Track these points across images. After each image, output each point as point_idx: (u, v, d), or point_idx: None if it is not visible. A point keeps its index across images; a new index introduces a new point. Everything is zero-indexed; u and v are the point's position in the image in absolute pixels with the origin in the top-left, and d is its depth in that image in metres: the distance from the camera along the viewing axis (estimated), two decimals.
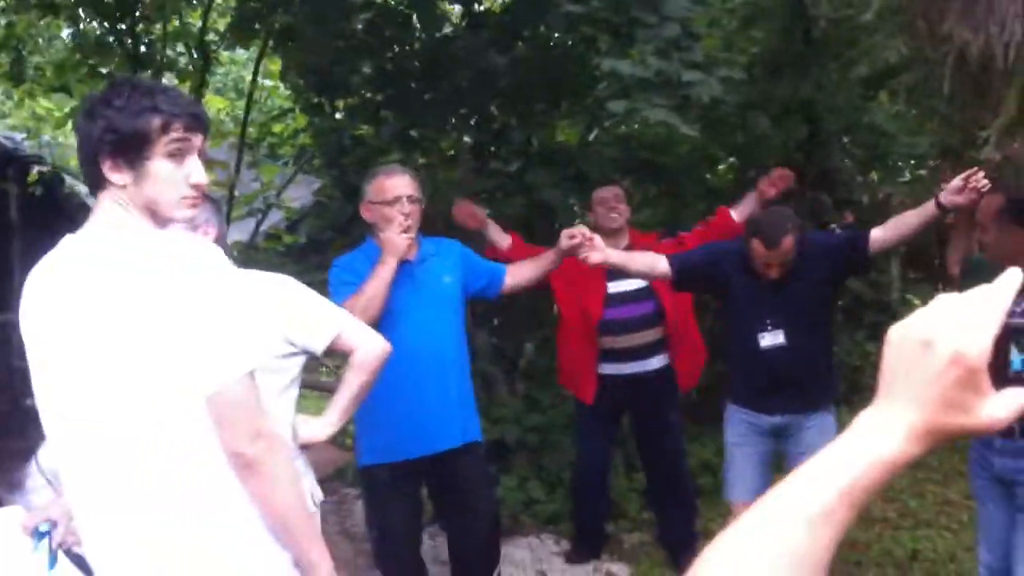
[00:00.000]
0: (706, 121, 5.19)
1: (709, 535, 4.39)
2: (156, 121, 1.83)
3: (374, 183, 3.56)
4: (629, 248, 4.35)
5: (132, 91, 1.85)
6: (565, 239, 3.60)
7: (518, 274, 3.82)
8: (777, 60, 5.48)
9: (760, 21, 5.57)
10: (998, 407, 0.80)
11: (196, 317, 1.77)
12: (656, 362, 4.57)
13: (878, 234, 3.56)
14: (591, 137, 6.25)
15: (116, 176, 1.83)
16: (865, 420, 0.85)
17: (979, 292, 0.82)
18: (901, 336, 0.84)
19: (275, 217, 8.01)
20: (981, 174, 3.19)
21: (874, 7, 2.43)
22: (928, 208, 3.40)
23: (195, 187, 1.89)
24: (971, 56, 2.43)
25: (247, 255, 7.31)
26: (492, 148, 6.05)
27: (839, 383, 4.32)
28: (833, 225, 6.46)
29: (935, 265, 6.59)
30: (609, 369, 4.58)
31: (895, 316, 6.66)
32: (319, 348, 2.49)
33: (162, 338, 1.75)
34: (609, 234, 4.40)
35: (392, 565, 3.74)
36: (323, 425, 2.63)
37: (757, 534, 0.81)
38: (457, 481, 3.73)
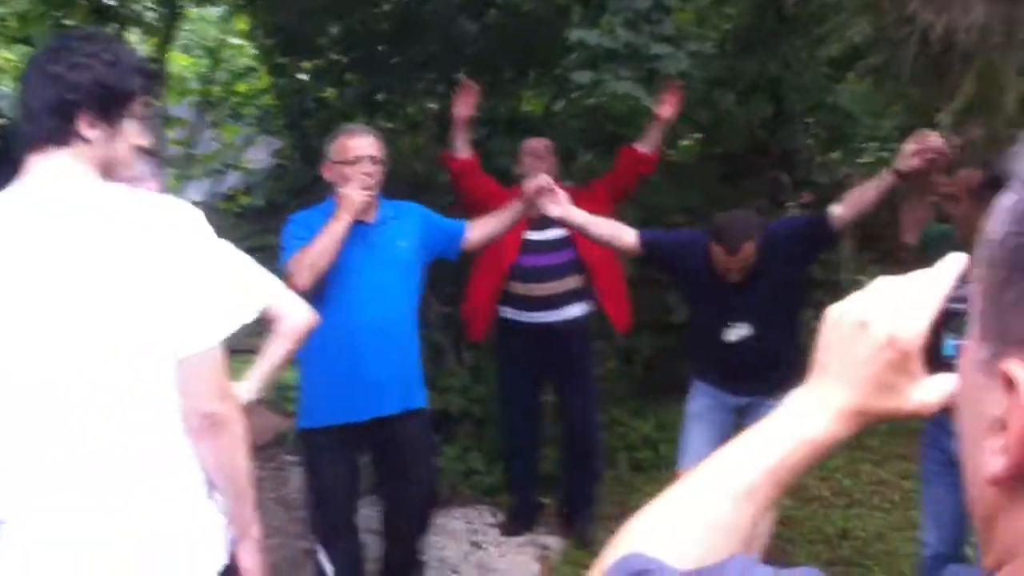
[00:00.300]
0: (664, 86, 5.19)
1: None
2: (139, 81, 1.86)
3: (336, 143, 3.56)
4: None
5: (113, 46, 1.86)
6: (529, 186, 3.62)
7: (480, 229, 3.79)
8: (749, 37, 5.49)
9: None
10: (928, 391, 0.81)
11: (181, 278, 1.77)
12: (572, 311, 4.56)
13: (840, 211, 3.52)
14: (557, 108, 6.23)
15: (90, 132, 1.81)
16: (796, 400, 0.86)
17: (920, 276, 0.82)
18: (838, 316, 0.85)
19: (234, 178, 7.93)
20: (934, 134, 3.17)
21: None
22: (885, 177, 3.36)
23: (138, 147, 1.98)
24: (933, 37, 2.46)
25: (205, 216, 7.19)
26: None
27: (803, 364, 4.34)
28: (790, 203, 6.52)
29: (889, 245, 6.67)
30: (522, 316, 4.57)
31: (845, 296, 6.75)
32: (249, 316, 2.49)
33: (145, 298, 1.74)
34: None
35: (326, 530, 3.71)
36: (242, 391, 2.63)
37: (683, 505, 0.83)
38: (398, 447, 3.71)
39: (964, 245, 2.87)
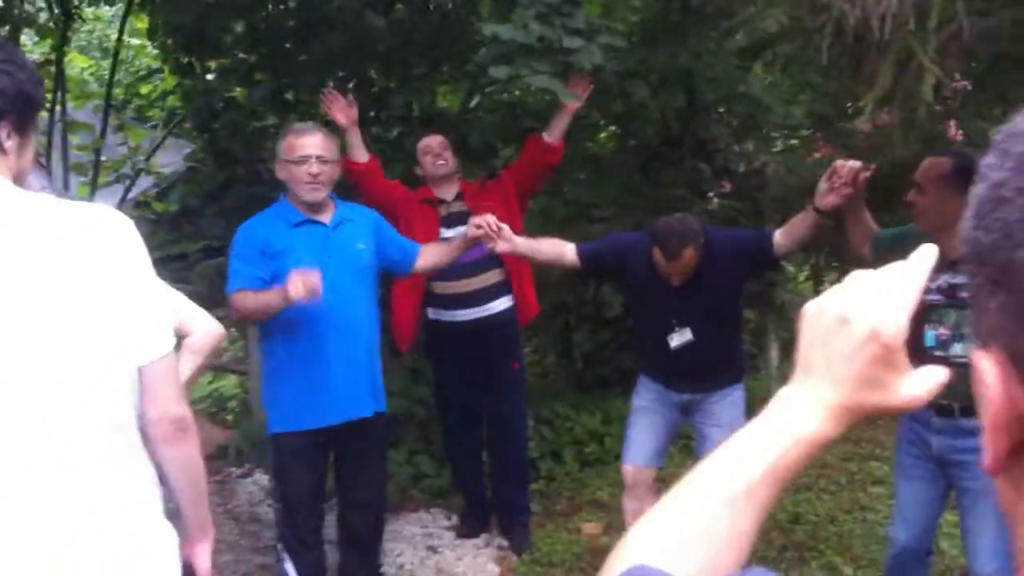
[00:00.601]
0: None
1: (597, 505, 4.43)
2: (42, 89, 1.83)
3: (285, 141, 3.57)
4: (460, 196, 4.43)
5: (19, 51, 1.80)
6: (472, 228, 3.63)
7: (426, 259, 3.83)
8: (656, 29, 5.49)
9: None
10: (916, 384, 0.80)
11: (131, 285, 1.77)
12: (499, 305, 4.52)
13: (780, 240, 3.56)
14: (473, 103, 6.15)
15: (8, 142, 1.74)
16: (784, 398, 0.84)
17: (894, 268, 0.81)
18: (817, 312, 0.83)
19: (145, 183, 7.70)
20: (845, 169, 3.21)
21: None
22: (809, 215, 3.41)
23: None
24: (848, 27, 2.45)
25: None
26: (371, 113, 5.91)
27: (746, 360, 4.38)
28: (711, 194, 6.55)
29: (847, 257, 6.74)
30: (445, 315, 4.52)
31: (772, 284, 6.84)
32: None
33: (100, 306, 1.72)
34: (438, 182, 4.48)
35: (295, 539, 3.68)
36: None
37: (683, 514, 0.82)
38: (363, 452, 3.72)
39: (931, 235, 2.85)
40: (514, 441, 4.73)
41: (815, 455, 0.82)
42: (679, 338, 3.70)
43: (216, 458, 5.81)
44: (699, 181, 6.41)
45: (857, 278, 0.82)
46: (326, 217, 3.59)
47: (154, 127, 7.78)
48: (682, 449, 5.27)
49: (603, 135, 6.97)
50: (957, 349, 2.87)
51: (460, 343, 4.54)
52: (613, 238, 4.06)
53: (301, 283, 3.22)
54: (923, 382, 0.80)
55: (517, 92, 6.17)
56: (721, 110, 6.58)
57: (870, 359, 0.78)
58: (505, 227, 3.61)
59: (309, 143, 3.52)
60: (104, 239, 1.75)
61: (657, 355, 3.81)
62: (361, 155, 4.40)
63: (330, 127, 4.29)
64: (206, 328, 2.63)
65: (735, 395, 3.84)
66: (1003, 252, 0.51)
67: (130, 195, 7.18)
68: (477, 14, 5.51)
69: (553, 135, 4.49)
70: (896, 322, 0.78)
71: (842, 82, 3.22)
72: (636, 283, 3.80)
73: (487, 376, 4.62)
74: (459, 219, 4.19)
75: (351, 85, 5.75)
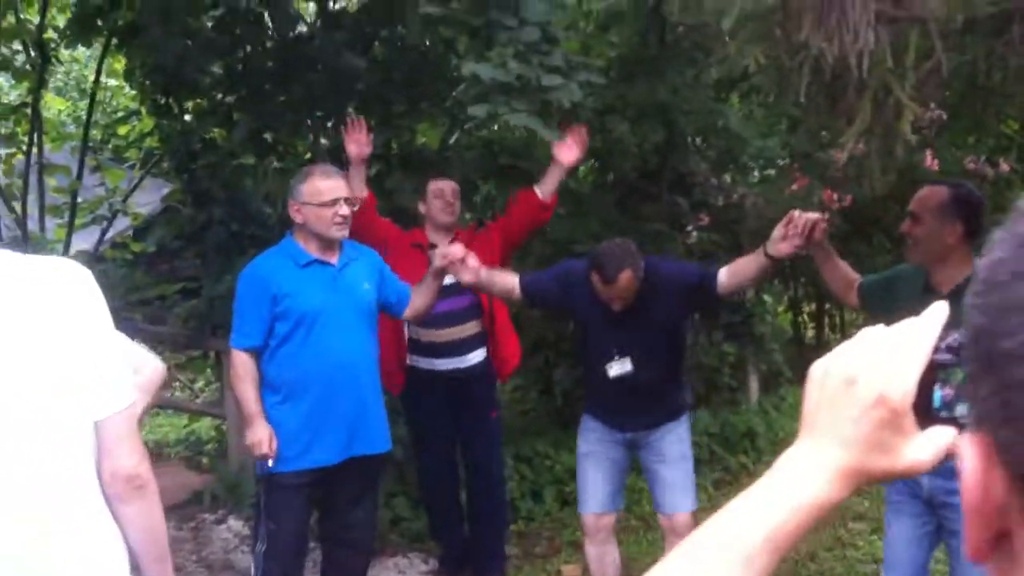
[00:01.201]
0: (566, 125, 5.20)
1: (577, 546, 4.35)
2: None
3: (308, 184, 3.57)
4: (454, 242, 4.31)
5: None
6: (438, 258, 3.66)
7: (413, 306, 3.86)
8: (633, 64, 5.53)
9: (617, 25, 5.61)
10: (921, 449, 0.79)
11: (88, 339, 1.75)
12: (475, 357, 4.49)
13: (724, 279, 3.52)
14: (452, 141, 6.17)
15: None
16: (789, 460, 0.82)
17: (903, 327, 0.79)
18: (824, 373, 0.81)
19: (122, 224, 7.66)
20: (802, 220, 3.19)
21: (732, 15, 2.44)
22: (759, 258, 3.39)
23: None
24: (826, 64, 2.47)
25: (91, 265, 6.95)
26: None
27: (691, 393, 4.36)
28: (689, 228, 6.58)
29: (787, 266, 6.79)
30: (427, 364, 4.48)
31: (750, 316, 6.87)
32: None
33: (57, 360, 1.70)
34: (439, 228, 4.42)
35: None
36: None
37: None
38: (359, 490, 3.76)
39: (927, 266, 2.83)
40: (492, 489, 4.69)
41: (819, 519, 0.80)
42: (619, 367, 3.66)
43: (190, 503, 5.71)
44: (678, 215, 6.45)
45: (866, 337, 0.81)
46: (334, 258, 3.63)
47: (131, 167, 7.74)
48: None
49: (582, 169, 7.00)
50: (961, 410, 2.81)
51: (437, 391, 4.51)
52: (557, 267, 4.01)
53: (260, 443, 3.47)
54: (928, 446, 0.78)
55: (496, 128, 6.19)
56: (699, 143, 6.63)
57: (877, 423, 0.77)
58: (471, 256, 3.63)
59: (337, 187, 3.58)
60: (61, 293, 1.74)
61: (598, 386, 3.79)
62: (361, 190, 4.35)
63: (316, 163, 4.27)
64: (151, 367, 2.60)
65: (679, 430, 3.81)
66: (989, 339, 0.50)
67: (107, 236, 7.15)
68: (455, 52, 5.53)
69: (545, 191, 4.43)
70: (904, 387, 0.77)
71: (819, 117, 3.24)
72: (579, 310, 3.78)
73: (464, 424, 4.60)
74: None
75: (330, 124, 5.76)
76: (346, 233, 3.61)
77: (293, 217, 3.63)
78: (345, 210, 3.56)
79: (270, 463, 3.46)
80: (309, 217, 3.57)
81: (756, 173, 7.33)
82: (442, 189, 4.46)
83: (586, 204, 6.33)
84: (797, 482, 0.80)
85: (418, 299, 3.85)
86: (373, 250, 3.89)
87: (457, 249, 3.66)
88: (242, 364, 3.57)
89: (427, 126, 6.39)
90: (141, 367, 2.59)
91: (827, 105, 2.82)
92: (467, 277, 3.64)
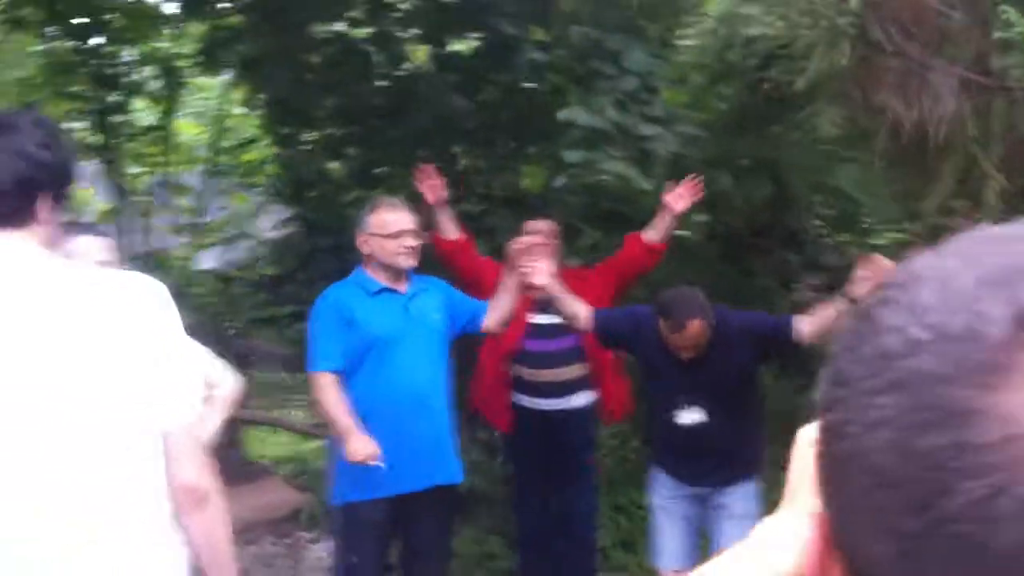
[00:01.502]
0: (668, 175, 5.16)
1: None
2: (77, 164, 1.95)
3: (375, 216, 3.67)
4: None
5: (57, 127, 1.88)
6: (514, 245, 3.73)
7: (492, 316, 3.84)
8: (736, 117, 5.45)
9: (728, 78, 5.55)
10: None
11: (159, 352, 1.79)
12: (578, 400, 4.45)
13: (805, 327, 3.46)
14: (556, 184, 6.18)
15: (51, 215, 1.81)
16: (767, 530, 0.78)
17: None
18: (809, 440, 0.77)
19: (246, 246, 7.94)
20: (884, 261, 3.12)
21: (808, 75, 2.39)
22: (842, 302, 3.33)
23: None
24: (904, 130, 2.38)
25: (218, 286, 7.27)
26: (456, 190, 6.00)
27: (764, 451, 4.23)
28: (795, 285, 6.40)
29: None
30: (530, 402, 4.46)
31: None
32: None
33: (128, 374, 1.75)
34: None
35: None
36: None
37: None
38: (436, 524, 3.77)
39: None
40: (584, 536, 4.63)
41: None
42: (688, 416, 3.60)
43: (289, 520, 5.80)
44: (787, 272, 6.29)
45: None
46: (403, 287, 3.69)
47: (256, 193, 8.03)
48: None
49: (690, 220, 6.90)
50: None
51: (537, 431, 4.50)
52: (630, 308, 3.99)
53: (363, 449, 3.39)
54: None
55: (603, 176, 6.17)
56: (813, 200, 6.45)
57: None
58: (546, 263, 3.68)
59: (403, 219, 3.65)
60: (132, 306, 1.79)
61: (666, 437, 3.74)
62: (452, 231, 4.41)
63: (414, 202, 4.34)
64: (227, 384, 2.69)
65: (748, 487, 3.71)
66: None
67: (232, 257, 7.43)
68: (563, 98, 5.56)
69: (655, 235, 4.37)
70: None
71: (906, 182, 3.14)
72: (646, 356, 3.74)
73: (560, 468, 4.56)
74: (551, 306, 4.11)
75: (438, 164, 5.86)
76: (413, 263, 3.66)
77: (360, 248, 3.70)
78: (411, 241, 3.63)
79: (381, 464, 3.40)
80: (376, 248, 3.64)
81: (876, 238, 7.08)
82: (539, 228, 4.44)
83: (690, 253, 6.23)
84: (772, 554, 0.77)
85: (496, 306, 3.84)
86: (439, 280, 3.91)
87: (534, 240, 3.74)
88: (327, 384, 3.57)
89: (532, 169, 6.42)
90: (218, 383, 2.67)
91: (909, 170, 2.72)
92: (538, 278, 3.65)
